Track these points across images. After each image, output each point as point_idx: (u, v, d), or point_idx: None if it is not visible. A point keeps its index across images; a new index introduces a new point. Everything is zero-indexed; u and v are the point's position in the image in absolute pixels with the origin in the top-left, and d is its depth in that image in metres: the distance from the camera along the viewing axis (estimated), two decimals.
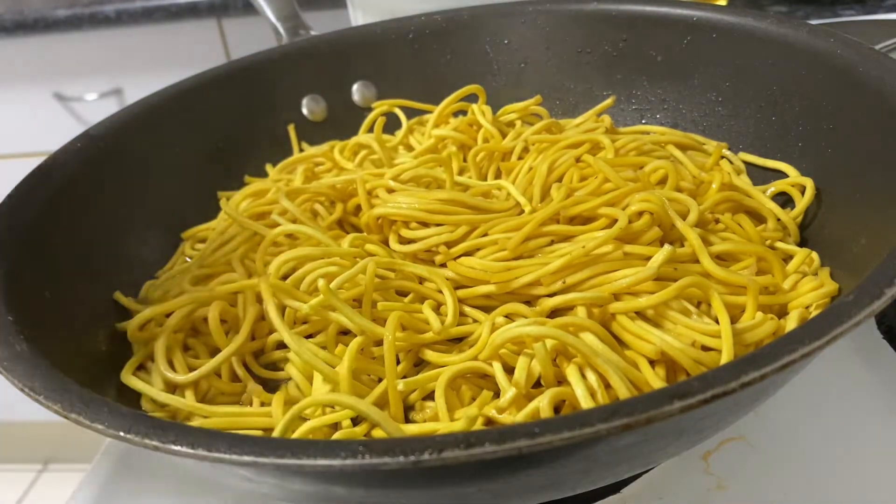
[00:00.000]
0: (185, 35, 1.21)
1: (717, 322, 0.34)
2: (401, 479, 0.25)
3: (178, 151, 0.53)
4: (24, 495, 1.57)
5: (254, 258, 0.44)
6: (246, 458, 0.22)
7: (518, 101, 0.57)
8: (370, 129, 0.59)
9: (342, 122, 0.59)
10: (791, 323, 0.35)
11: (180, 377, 0.38)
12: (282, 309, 0.39)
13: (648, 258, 0.37)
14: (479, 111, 0.54)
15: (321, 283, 0.36)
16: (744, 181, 0.44)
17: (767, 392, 0.30)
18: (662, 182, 0.44)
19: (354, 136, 0.57)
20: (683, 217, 0.40)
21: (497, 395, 0.34)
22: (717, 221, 0.42)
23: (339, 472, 0.23)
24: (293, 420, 0.32)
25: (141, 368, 0.40)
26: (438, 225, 0.43)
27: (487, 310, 0.39)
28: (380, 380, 0.36)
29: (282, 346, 0.40)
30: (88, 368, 0.37)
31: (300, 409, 0.32)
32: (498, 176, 0.49)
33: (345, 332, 0.38)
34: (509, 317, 0.37)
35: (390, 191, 0.46)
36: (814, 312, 0.35)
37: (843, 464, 0.36)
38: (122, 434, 0.24)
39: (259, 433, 0.35)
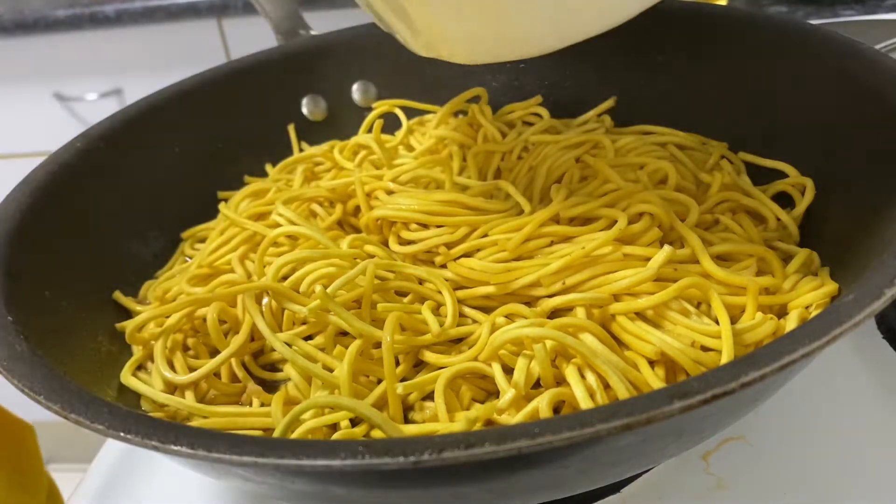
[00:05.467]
0: (185, 35, 1.21)
1: (716, 322, 0.34)
2: (401, 480, 0.25)
3: (178, 151, 0.52)
4: None
5: (254, 258, 0.44)
6: (246, 459, 0.22)
7: (518, 101, 0.57)
8: (370, 129, 0.59)
9: (342, 122, 0.59)
10: (791, 323, 0.35)
11: (180, 378, 0.38)
12: (281, 311, 0.39)
13: (648, 259, 0.37)
14: (479, 111, 0.54)
15: (318, 288, 0.36)
16: (744, 181, 0.44)
17: (767, 392, 0.30)
18: (662, 182, 0.44)
19: (354, 137, 0.57)
20: (683, 217, 0.40)
21: (496, 395, 0.34)
22: (717, 222, 0.42)
23: (339, 472, 0.23)
24: (293, 421, 0.32)
25: (141, 369, 0.40)
26: (438, 226, 0.43)
27: (487, 310, 0.39)
28: (379, 381, 0.36)
29: None
30: (88, 368, 0.37)
31: (301, 410, 0.32)
32: (498, 176, 0.49)
33: (344, 333, 0.38)
34: (509, 317, 0.37)
35: (389, 192, 0.46)
36: (814, 312, 0.35)
37: (843, 464, 0.36)
38: (122, 434, 0.24)
39: (259, 433, 0.35)
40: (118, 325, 0.42)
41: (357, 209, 0.47)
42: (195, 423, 0.36)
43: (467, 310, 0.40)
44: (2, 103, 1.32)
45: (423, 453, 0.21)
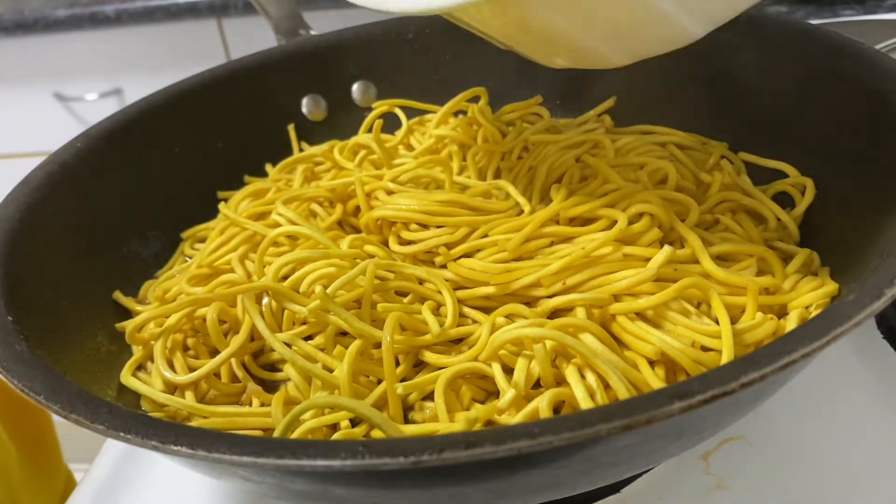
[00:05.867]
0: (185, 35, 1.21)
1: (716, 322, 0.34)
2: (401, 480, 0.25)
3: (178, 151, 0.52)
4: None
5: (254, 258, 0.44)
6: (246, 459, 0.22)
7: (518, 101, 0.57)
8: (370, 129, 0.59)
9: (342, 122, 0.59)
10: (791, 323, 0.35)
11: (180, 378, 0.38)
12: (281, 311, 0.39)
13: (648, 259, 0.37)
14: (479, 111, 0.54)
15: (318, 288, 0.36)
16: (744, 181, 0.44)
17: (767, 392, 0.30)
18: (662, 182, 0.44)
19: (354, 137, 0.57)
20: (683, 217, 0.40)
21: (496, 395, 0.34)
22: (717, 222, 0.42)
23: (339, 472, 0.23)
24: (293, 421, 0.32)
25: (141, 369, 0.40)
26: (438, 226, 0.43)
27: (487, 311, 0.39)
28: (379, 381, 0.36)
29: None
30: (88, 368, 0.37)
31: (301, 410, 0.32)
32: (498, 176, 0.49)
33: (344, 333, 0.38)
34: (509, 318, 0.37)
35: (390, 192, 0.46)
36: (814, 312, 0.35)
37: (843, 463, 0.36)
38: (122, 434, 0.24)
39: (259, 433, 0.35)
40: (118, 325, 0.42)
41: (357, 209, 0.47)
42: (195, 423, 0.36)
43: (467, 310, 0.40)
44: (2, 103, 1.32)
45: (423, 453, 0.21)
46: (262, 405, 0.37)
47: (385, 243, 0.44)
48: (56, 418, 0.28)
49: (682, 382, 0.22)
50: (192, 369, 0.38)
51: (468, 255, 0.41)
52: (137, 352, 0.40)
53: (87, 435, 0.27)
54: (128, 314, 0.43)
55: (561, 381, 0.33)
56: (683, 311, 0.35)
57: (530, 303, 0.38)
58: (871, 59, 0.39)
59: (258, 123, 0.57)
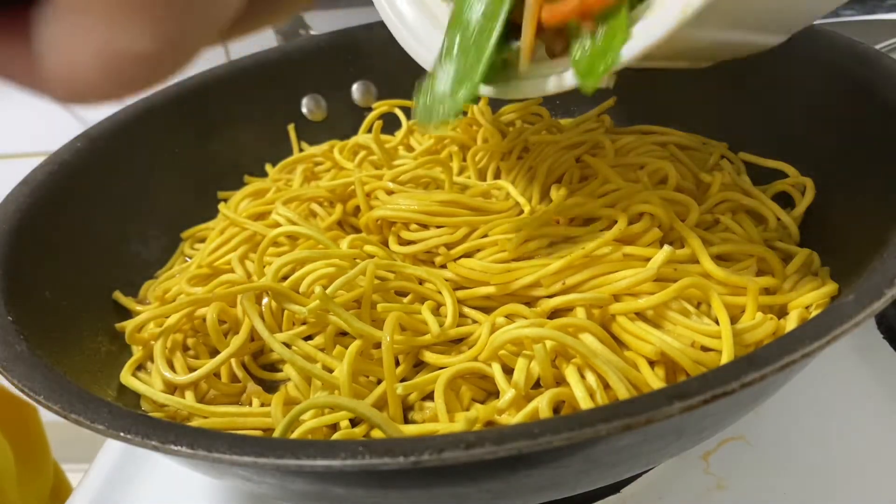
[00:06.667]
0: None
1: (716, 322, 0.34)
2: (401, 480, 0.25)
3: (178, 151, 0.52)
4: None
5: (254, 258, 0.44)
6: (246, 459, 0.22)
7: (518, 101, 0.57)
8: (370, 129, 0.59)
9: (342, 122, 0.59)
10: (791, 323, 0.35)
11: (180, 378, 0.38)
12: (281, 311, 0.39)
13: (648, 259, 0.37)
14: (479, 111, 0.54)
15: (318, 289, 0.36)
16: (744, 181, 0.44)
17: (767, 392, 0.30)
18: (663, 182, 0.44)
19: (354, 137, 0.57)
20: (683, 217, 0.40)
21: (496, 395, 0.34)
22: (718, 222, 0.42)
23: (339, 472, 0.24)
24: (293, 421, 0.32)
25: (141, 369, 0.40)
26: (438, 226, 0.43)
27: (487, 310, 0.39)
28: (379, 381, 0.36)
29: None
30: (88, 368, 0.37)
31: (301, 410, 0.32)
32: (498, 176, 0.49)
33: (344, 333, 0.38)
34: (509, 318, 0.37)
35: (389, 192, 0.46)
36: (814, 312, 0.35)
37: (843, 464, 0.36)
38: (122, 434, 0.24)
39: (259, 433, 0.35)
40: (118, 325, 0.42)
41: (357, 209, 0.47)
42: (195, 423, 0.36)
43: (467, 310, 0.40)
44: (2, 103, 1.32)
45: (423, 453, 0.21)
46: (262, 405, 0.37)
47: (385, 243, 0.44)
48: (53, 417, 0.28)
49: (682, 382, 0.22)
50: (192, 369, 0.38)
51: (468, 255, 0.41)
52: (137, 352, 0.40)
53: (87, 435, 0.27)
54: (128, 314, 0.43)
55: (561, 381, 0.33)
56: (683, 311, 0.35)
57: (530, 303, 0.38)
58: (871, 59, 0.39)
59: (258, 123, 0.57)
